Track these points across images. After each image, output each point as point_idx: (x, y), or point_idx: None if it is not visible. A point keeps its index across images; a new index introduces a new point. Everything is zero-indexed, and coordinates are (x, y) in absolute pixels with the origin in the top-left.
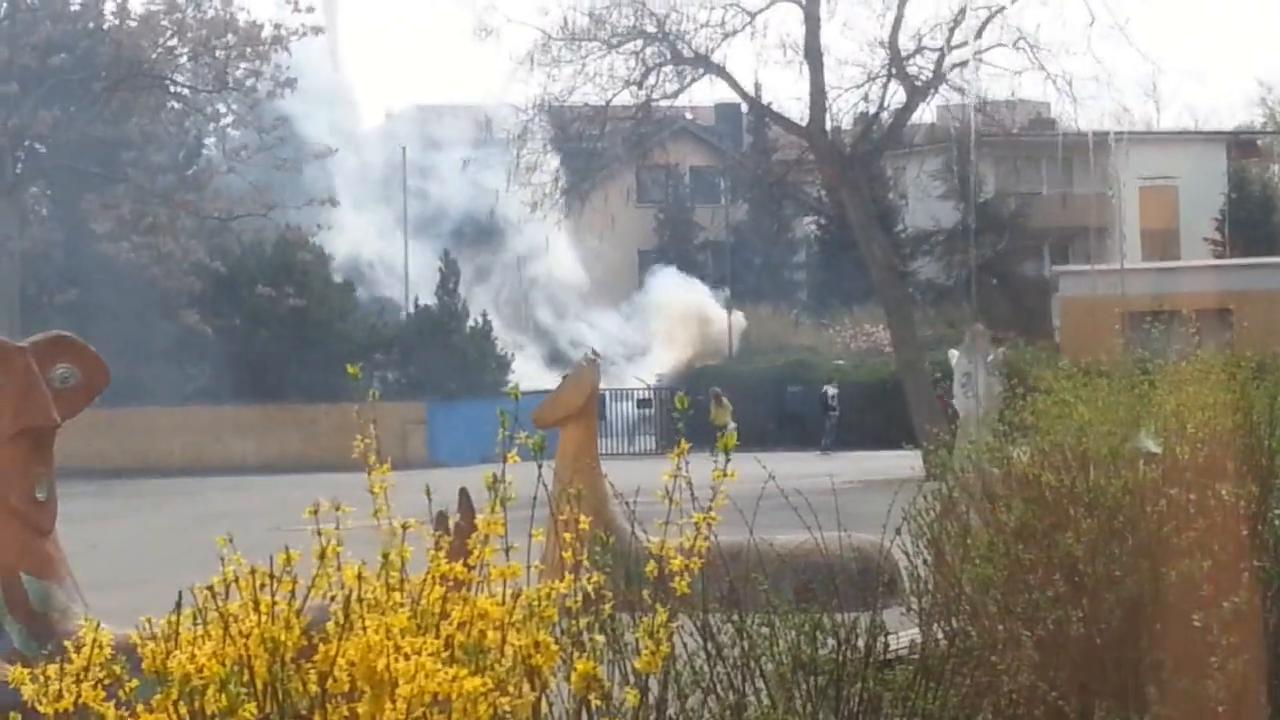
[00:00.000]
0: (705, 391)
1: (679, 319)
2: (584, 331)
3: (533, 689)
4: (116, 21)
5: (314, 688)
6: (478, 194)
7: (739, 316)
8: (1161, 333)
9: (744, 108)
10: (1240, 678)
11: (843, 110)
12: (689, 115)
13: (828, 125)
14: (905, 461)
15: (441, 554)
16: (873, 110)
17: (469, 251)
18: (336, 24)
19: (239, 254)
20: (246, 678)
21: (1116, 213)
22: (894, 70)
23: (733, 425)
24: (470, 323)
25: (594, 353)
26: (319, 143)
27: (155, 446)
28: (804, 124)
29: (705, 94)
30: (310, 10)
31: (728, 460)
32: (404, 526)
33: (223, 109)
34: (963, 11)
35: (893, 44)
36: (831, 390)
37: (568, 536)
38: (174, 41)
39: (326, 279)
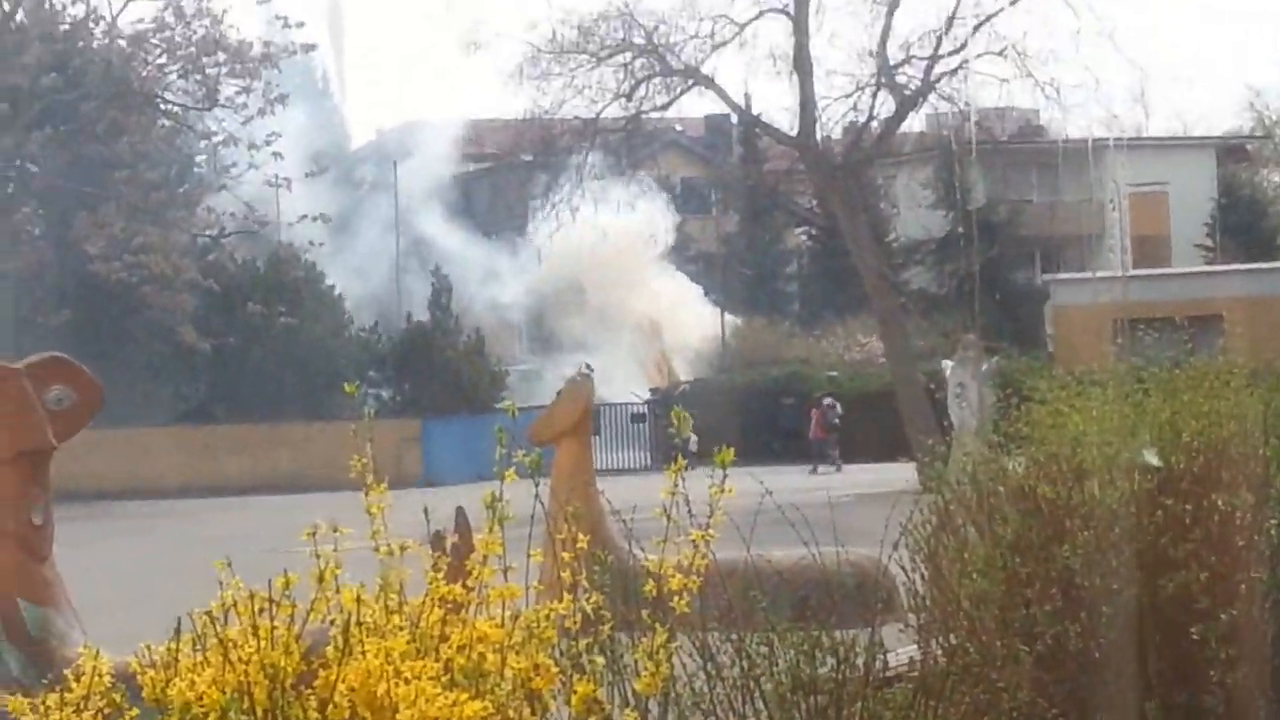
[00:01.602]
0: (696, 404)
1: (671, 330)
2: (576, 347)
3: (533, 713)
4: (106, 41)
5: (314, 714)
6: (470, 207)
7: (732, 324)
8: (1155, 340)
9: (733, 119)
10: (1240, 690)
11: (832, 120)
12: (679, 127)
13: (817, 135)
14: (901, 474)
15: (440, 575)
16: (862, 120)
17: (459, 266)
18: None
19: (231, 272)
20: (247, 705)
21: (1117, 219)
22: (883, 79)
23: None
24: (464, 338)
25: (587, 367)
26: (311, 160)
27: (148, 467)
28: (794, 134)
29: (694, 106)
30: (300, 25)
31: (725, 476)
32: (402, 548)
33: (213, 126)
34: (950, 20)
35: (881, 53)
36: (830, 402)
37: (566, 556)
38: (164, 60)
39: (319, 296)
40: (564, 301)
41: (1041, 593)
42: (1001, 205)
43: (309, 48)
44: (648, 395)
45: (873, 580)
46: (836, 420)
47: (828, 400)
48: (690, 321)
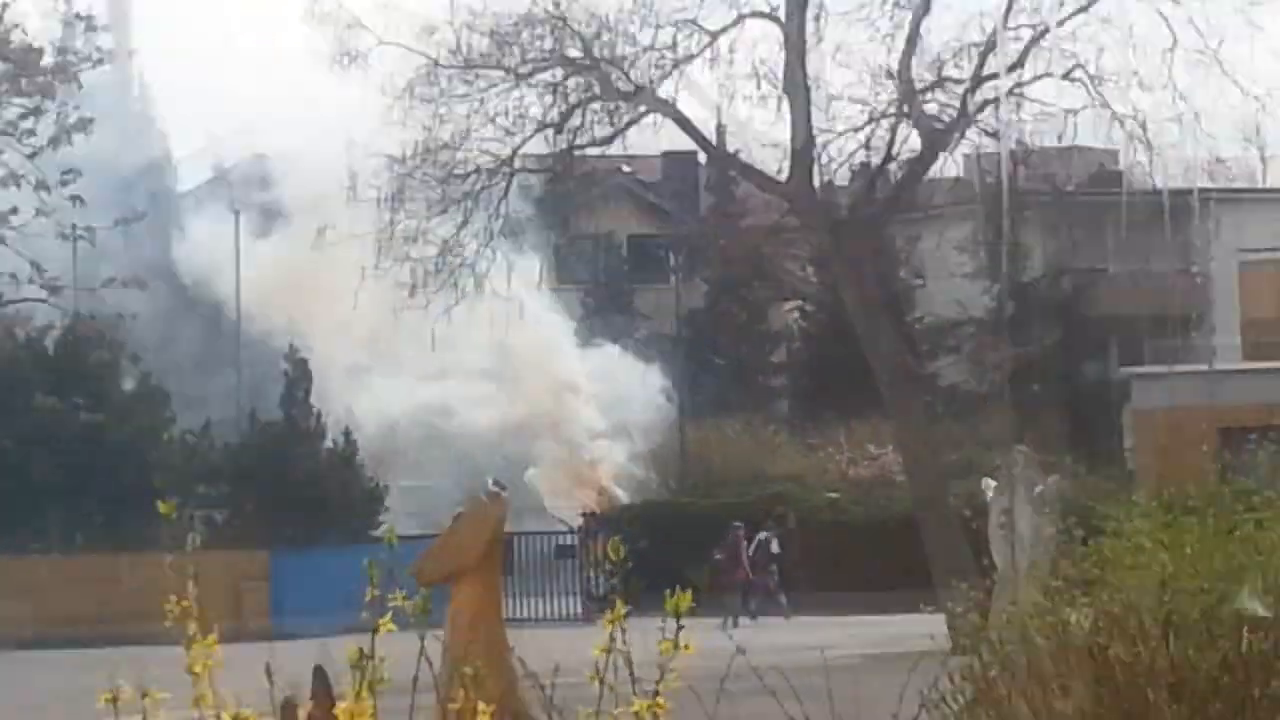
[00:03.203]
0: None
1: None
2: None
3: None
4: None
5: None
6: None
7: (698, 429)
8: (1271, 454)
9: (701, 158)
10: None
11: (837, 161)
12: (627, 168)
13: (816, 180)
14: (924, 628)
15: None
16: (877, 161)
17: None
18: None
19: (10, 351)
20: None
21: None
22: (906, 108)
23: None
24: (327, 444)
25: (497, 484)
26: (123, 204)
27: None
28: (784, 179)
29: (648, 141)
30: (104, 28)
31: (680, 628)
32: (236, 719)
33: None
34: (996, 32)
35: (904, 74)
36: (764, 537)
37: None
38: None
39: (132, 387)
40: (466, 397)
41: None
42: (1065, 276)
43: (121, 55)
44: (579, 522)
45: None
46: (773, 552)
47: (763, 535)
48: (639, 423)
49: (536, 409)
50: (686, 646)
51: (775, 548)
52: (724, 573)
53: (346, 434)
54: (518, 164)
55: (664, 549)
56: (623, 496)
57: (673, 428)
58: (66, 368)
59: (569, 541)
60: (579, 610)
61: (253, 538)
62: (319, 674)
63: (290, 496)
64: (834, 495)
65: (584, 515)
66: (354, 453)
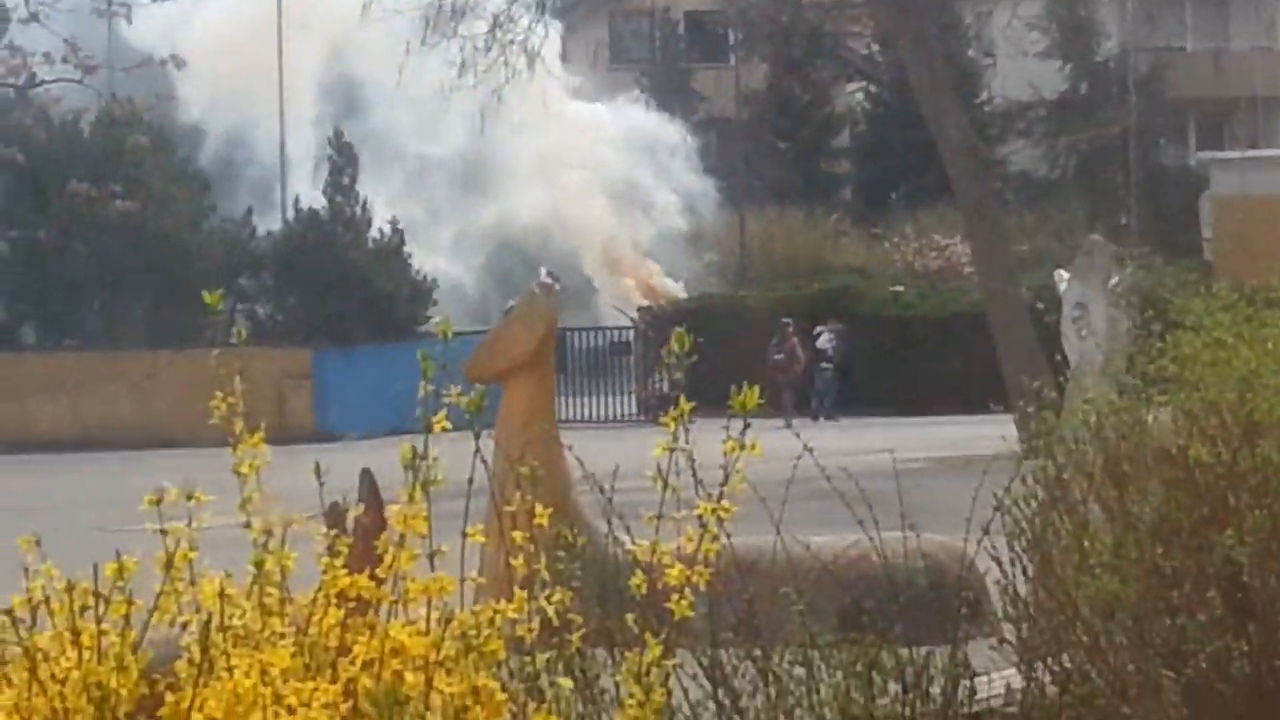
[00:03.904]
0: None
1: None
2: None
3: None
4: None
5: None
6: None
7: (758, 219)
8: None
9: None
10: None
11: None
12: None
13: None
14: (995, 430)
15: (339, 563)
16: None
17: (368, 129)
18: None
19: (43, 139)
20: None
21: None
22: None
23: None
24: (374, 233)
25: (550, 275)
26: None
27: None
28: None
29: None
30: None
31: (747, 427)
32: (285, 524)
33: None
34: None
35: None
36: (825, 336)
37: (518, 536)
38: None
39: (170, 171)
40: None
41: (1195, 596)
42: (1142, 54)
43: None
44: (635, 314)
45: (954, 577)
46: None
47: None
48: (696, 212)
49: (590, 193)
50: (753, 446)
51: (828, 347)
52: (783, 370)
53: (393, 223)
54: None
55: (722, 345)
56: (678, 291)
57: (732, 217)
58: (102, 152)
59: (625, 339)
60: (635, 411)
61: (297, 334)
62: (367, 477)
63: (335, 290)
64: (899, 288)
65: (639, 310)
66: (401, 243)
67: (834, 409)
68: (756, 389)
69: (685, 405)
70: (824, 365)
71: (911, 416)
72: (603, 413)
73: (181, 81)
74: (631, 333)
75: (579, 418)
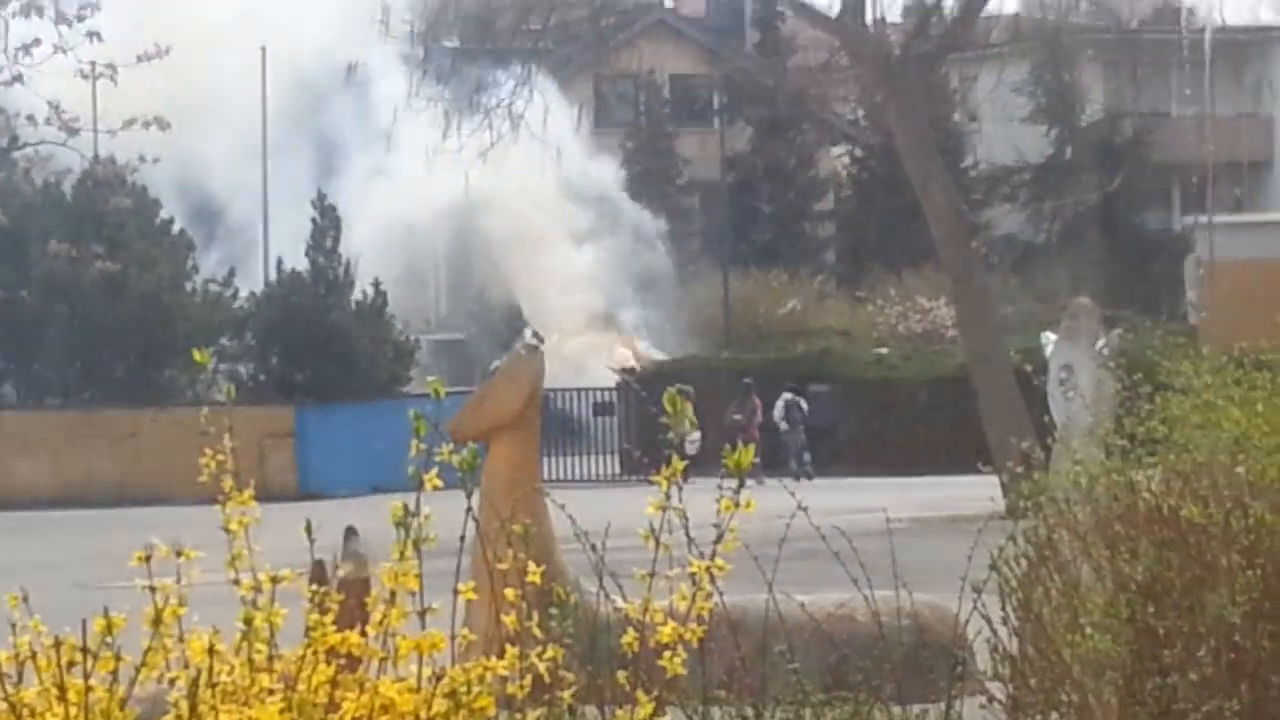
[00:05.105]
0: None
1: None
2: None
3: None
4: None
5: None
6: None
7: (741, 281)
8: None
9: None
10: None
11: None
12: (669, 3)
13: (868, 16)
14: (981, 490)
15: (328, 619)
16: None
17: (355, 191)
18: None
19: (26, 198)
20: None
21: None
22: None
23: (695, 435)
24: (356, 295)
25: (535, 336)
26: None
27: None
28: (833, 14)
29: None
30: None
31: (741, 485)
32: (273, 580)
33: None
34: None
35: None
36: (789, 399)
37: (509, 594)
38: None
39: (153, 233)
40: (500, 244)
41: (1186, 656)
42: (1127, 119)
43: None
44: (620, 376)
45: (943, 636)
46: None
47: (789, 395)
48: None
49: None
50: (748, 504)
51: (805, 406)
52: (742, 431)
53: (376, 284)
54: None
55: (705, 405)
56: (657, 354)
57: (715, 279)
58: (84, 214)
59: (607, 399)
60: (615, 469)
61: (279, 394)
62: (351, 535)
63: (317, 350)
64: (883, 350)
65: (621, 371)
66: (384, 304)
67: (810, 467)
68: (751, 449)
69: (677, 464)
70: (786, 426)
71: (894, 477)
72: (585, 472)
73: (165, 143)
74: (615, 394)
75: (562, 477)
